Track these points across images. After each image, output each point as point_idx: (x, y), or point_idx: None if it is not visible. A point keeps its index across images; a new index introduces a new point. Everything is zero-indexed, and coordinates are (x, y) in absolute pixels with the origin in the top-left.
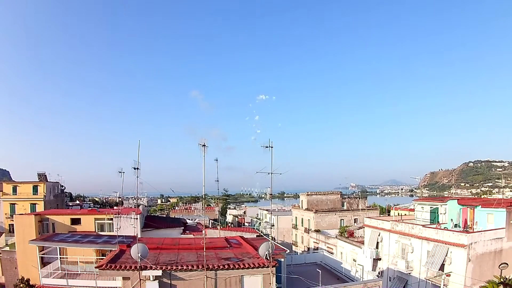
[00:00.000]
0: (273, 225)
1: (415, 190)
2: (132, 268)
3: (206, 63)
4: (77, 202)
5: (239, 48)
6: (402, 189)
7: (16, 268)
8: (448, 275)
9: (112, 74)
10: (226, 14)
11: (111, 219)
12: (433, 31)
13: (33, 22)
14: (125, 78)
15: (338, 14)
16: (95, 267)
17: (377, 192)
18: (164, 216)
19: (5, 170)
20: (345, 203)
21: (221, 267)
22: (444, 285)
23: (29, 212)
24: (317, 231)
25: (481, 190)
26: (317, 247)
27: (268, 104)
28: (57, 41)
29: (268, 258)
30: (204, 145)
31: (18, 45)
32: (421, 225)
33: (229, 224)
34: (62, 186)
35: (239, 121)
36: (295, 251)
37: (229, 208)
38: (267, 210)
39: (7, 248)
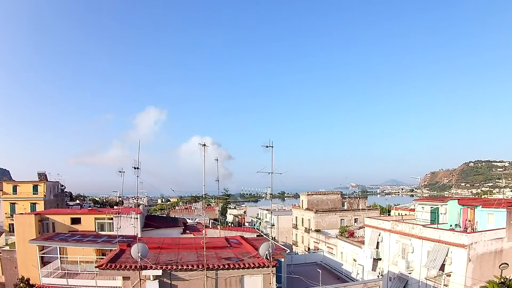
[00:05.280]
0: (274, 225)
1: (416, 190)
2: (132, 267)
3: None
4: (77, 201)
5: (235, 44)
6: (402, 189)
7: (16, 267)
8: (448, 275)
9: (116, 68)
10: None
11: (111, 218)
12: (434, 26)
13: (28, 14)
14: (127, 71)
15: (338, 11)
16: (95, 267)
17: (378, 192)
18: (164, 215)
19: (5, 169)
20: (345, 203)
21: (221, 267)
22: (444, 285)
23: (29, 211)
24: (318, 231)
25: (481, 190)
26: (317, 247)
27: (267, 103)
28: (55, 34)
29: (268, 258)
30: (204, 145)
31: (16, 40)
32: (421, 225)
33: (230, 224)
34: (62, 185)
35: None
36: (295, 251)
37: (230, 208)
38: (267, 209)
39: (7, 248)
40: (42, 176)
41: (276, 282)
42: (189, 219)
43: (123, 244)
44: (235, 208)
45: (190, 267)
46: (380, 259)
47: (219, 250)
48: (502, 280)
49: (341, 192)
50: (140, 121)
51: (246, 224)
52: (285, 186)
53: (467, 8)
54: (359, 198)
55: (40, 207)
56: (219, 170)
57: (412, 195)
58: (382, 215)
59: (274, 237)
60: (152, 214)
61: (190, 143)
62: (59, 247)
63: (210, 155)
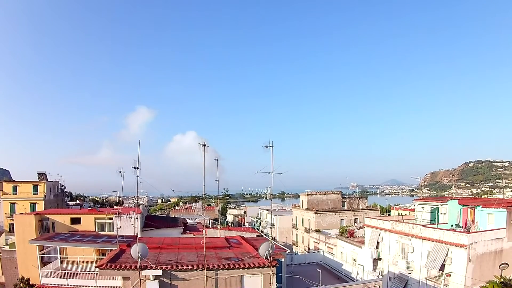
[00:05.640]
0: (274, 225)
1: (416, 190)
2: (132, 267)
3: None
4: (77, 201)
5: (235, 44)
6: (402, 189)
7: (16, 267)
8: (448, 275)
9: (116, 68)
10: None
11: (111, 218)
12: (434, 26)
13: (31, 14)
14: (127, 71)
15: (339, 11)
16: (95, 267)
17: (378, 192)
18: (164, 215)
19: (5, 169)
20: (345, 203)
21: (221, 267)
22: (444, 285)
23: (29, 211)
24: (318, 231)
25: (481, 190)
26: (317, 247)
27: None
28: (55, 34)
29: (268, 258)
30: (204, 145)
31: (16, 40)
32: (421, 225)
33: (230, 224)
34: (62, 185)
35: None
36: (295, 251)
37: (230, 207)
38: (267, 209)
39: (7, 248)
40: (42, 176)
41: (276, 282)
42: (189, 219)
43: (123, 244)
44: (235, 208)
45: (190, 267)
46: (380, 259)
47: (219, 250)
48: (502, 280)
49: (341, 192)
50: (133, 120)
51: (246, 224)
52: (285, 186)
53: (467, 8)
54: (359, 198)
55: (40, 207)
56: (206, 170)
57: (412, 195)
58: (382, 215)
59: (274, 237)
60: (152, 214)
61: (176, 141)
62: (59, 247)
63: (195, 153)
